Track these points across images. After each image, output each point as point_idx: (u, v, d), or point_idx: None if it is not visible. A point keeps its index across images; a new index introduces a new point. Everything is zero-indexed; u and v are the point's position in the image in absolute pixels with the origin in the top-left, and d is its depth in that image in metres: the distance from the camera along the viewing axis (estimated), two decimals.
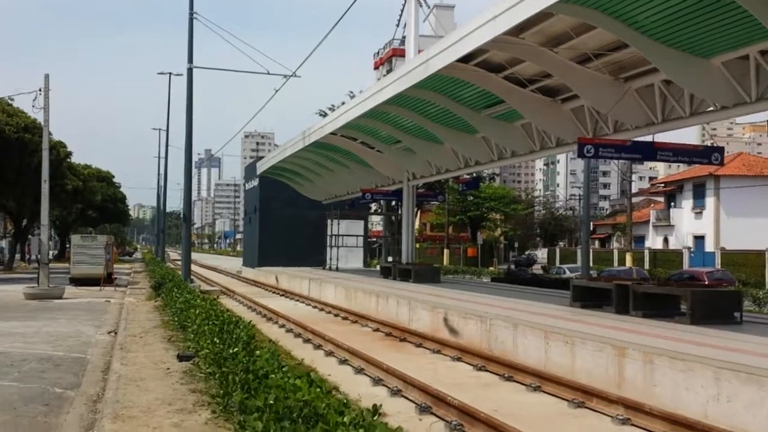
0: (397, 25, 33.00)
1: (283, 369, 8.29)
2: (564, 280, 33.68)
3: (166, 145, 57.60)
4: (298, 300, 29.01)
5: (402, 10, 31.49)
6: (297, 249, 44.47)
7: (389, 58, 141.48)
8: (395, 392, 10.98)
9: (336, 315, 23.17)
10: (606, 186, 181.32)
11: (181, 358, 13.67)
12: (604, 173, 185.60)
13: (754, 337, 12.74)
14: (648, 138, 16.77)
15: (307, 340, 16.90)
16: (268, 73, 30.26)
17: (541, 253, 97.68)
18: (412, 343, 16.78)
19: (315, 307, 26.00)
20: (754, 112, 13.87)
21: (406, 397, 10.73)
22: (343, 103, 69.10)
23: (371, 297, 23.61)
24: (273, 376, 7.70)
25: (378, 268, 50.07)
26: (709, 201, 62.06)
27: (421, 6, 30.41)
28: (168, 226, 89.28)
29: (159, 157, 72.12)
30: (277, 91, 30.51)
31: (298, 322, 19.46)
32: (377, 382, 11.84)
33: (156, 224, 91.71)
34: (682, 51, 13.92)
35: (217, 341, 10.71)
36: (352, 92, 70.70)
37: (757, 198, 58.54)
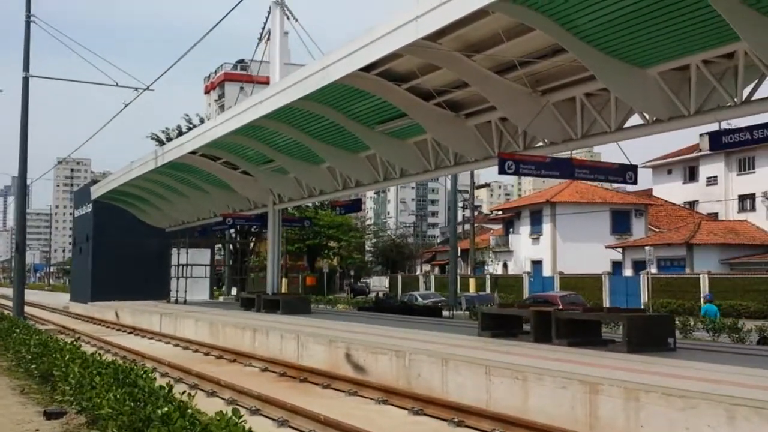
0: (260, 40, 30.69)
1: None
2: (432, 307, 32.72)
3: None
4: (151, 338, 25.92)
5: (264, 25, 29.32)
6: (137, 281, 40.62)
7: (221, 82, 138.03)
8: None
9: (206, 354, 20.57)
10: (434, 214, 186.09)
11: (49, 415, 10.98)
12: (432, 202, 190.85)
13: (709, 365, 11.94)
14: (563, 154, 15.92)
15: (193, 386, 14.42)
16: (117, 85, 27.19)
17: (373, 281, 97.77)
18: (316, 384, 14.73)
19: (176, 345, 23.16)
20: (690, 126, 13.27)
21: None
22: (178, 127, 65.75)
23: (245, 332, 21.23)
24: None
25: (222, 299, 47.11)
26: (546, 227, 64.06)
27: (288, 19, 28.57)
28: None
29: None
30: (127, 105, 27.53)
31: (174, 365, 16.84)
32: None
33: None
34: (620, 59, 13.11)
35: (121, 397, 8.32)
36: (187, 115, 67.25)
37: (588, 224, 61.07)
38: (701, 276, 44.06)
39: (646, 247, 41.45)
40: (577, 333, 14.82)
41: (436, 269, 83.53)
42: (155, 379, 9.58)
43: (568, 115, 15.51)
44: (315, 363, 16.88)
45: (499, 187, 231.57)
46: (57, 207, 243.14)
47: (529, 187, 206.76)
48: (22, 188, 26.10)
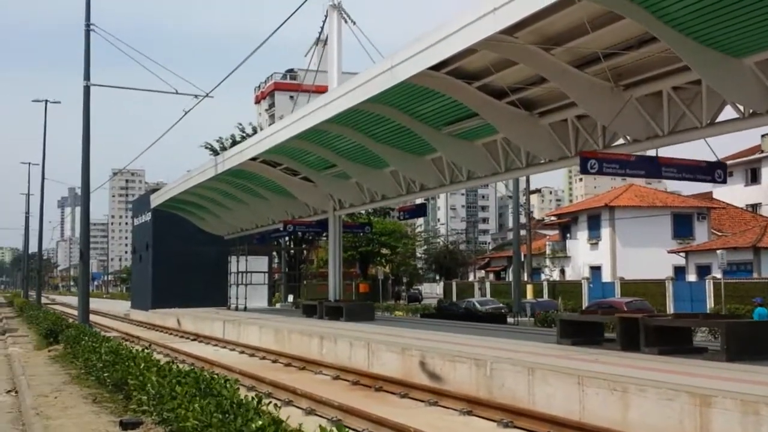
0: (316, 44, 30.46)
1: None
2: (496, 314, 31.95)
3: (42, 180, 52.20)
4: (215, 345, 25.73)
5: (321, 30, 29.03)
6: (195, 288, 40.75)
7: (271, 92, 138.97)
8: None
9: (274, 361, 20.21)
10: (485, 221, 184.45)
11: (125, 425, 10.64)
12: (483, 208, 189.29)
13: None
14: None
15: (268, 394, 13.99)
16: (177, 93, 27.02)
17: (424, 288, 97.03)
18: (392, 393, 14.19)
19: (242, 352, 22.88)
20: None
21: None
22: (231, 136, 66.03)
23: (312, 339, 20.83)
24: None
25: (279, 306, 46.87)
26: (605, 232, 62.52)
27: (346, 22, 28.20)
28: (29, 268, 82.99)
29: (29, 194, 66.12)
30: (187, 112, 27.31)
31: (245, 372, 16.48)
32: None
33: (24, 265, 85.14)
34: (714, 48, 12.33)
35: (207, 408, 7.89)
36: (240, 124, 67.54)
37: (648, 228, 59.47)
38: None
39: (718, 251, 39.92)
40: (667, 340, 14.02)
41: (491, 275, 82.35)
42: (239, 389, 9.16)
43: (652, 110, 14.72)
44: (387, 371, 16.36)
45: (550, 193, 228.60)
46: (113, 217, 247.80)
47: (581, 193, 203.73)
48: (85, 197, 26.10)
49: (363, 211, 61.03)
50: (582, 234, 65.82)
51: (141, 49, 27.54)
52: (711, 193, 72.69)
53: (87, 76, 26.39)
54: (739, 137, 12.55)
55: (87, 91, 26.25)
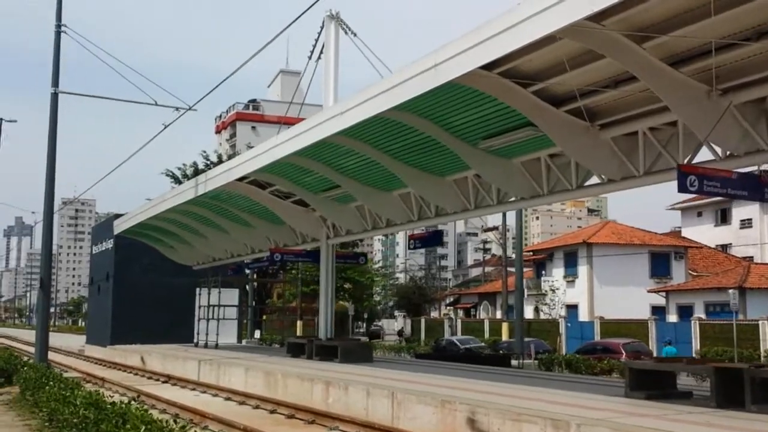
0: (309, 58, 27.78)
1: None
2: (500, 356, 29.32)
3: None
4: (193, 389, 22.54)
5: (315, 42, 26.43)
6: (159, 323, 37.25)
7: (233, 122, 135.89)
8: None
9: (272, 411, 17.19)
10: (443, 257, 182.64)
11: None
12: (442, 244, 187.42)
13: None
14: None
15: None
16: (156, 104, 24.23)
17: (385, 324, 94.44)
18: None
19: (228, 398, 19.79)
20: None
21: None
22: (194, 164, 62.78)
23: (315, 385, 17.91)
24: None
25: (245, 342, 43.54)
26: (582, 269, 60.87)
27: (347, 33, 25.73)
28: None
29: None
30: (166, 126, 24.58)
31: (250, 429, 13.51)
32: None
33: None
34: None
35: None
36: (204, 152, 64.56)
37: (625, 267, 57.97)
38: (760, 322, 40.83)
39: (730, 291, 38.13)
40: None
41: (460, 312, 79.78)
42: None
43: (752, 119, 12.45)
44: (421, 428, 13.62)
45: (508, 230, 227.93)
46: (60, 247, 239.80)
47: (537, 231, 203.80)
48: (48, 219, 22.99)
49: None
50: (558, 271, 64.06)
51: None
52: (680, 232, 71.80)
53: (55, 83, 23.54)
54: None
55: (55, 98, 23.36)
